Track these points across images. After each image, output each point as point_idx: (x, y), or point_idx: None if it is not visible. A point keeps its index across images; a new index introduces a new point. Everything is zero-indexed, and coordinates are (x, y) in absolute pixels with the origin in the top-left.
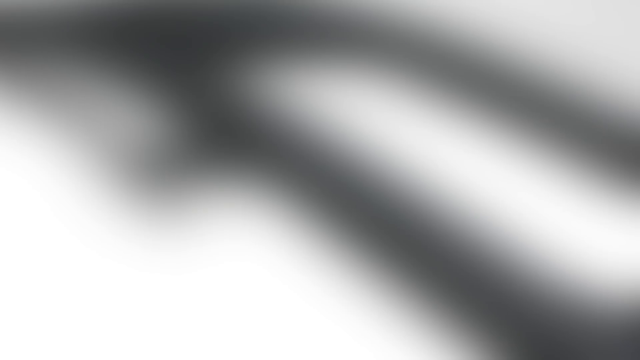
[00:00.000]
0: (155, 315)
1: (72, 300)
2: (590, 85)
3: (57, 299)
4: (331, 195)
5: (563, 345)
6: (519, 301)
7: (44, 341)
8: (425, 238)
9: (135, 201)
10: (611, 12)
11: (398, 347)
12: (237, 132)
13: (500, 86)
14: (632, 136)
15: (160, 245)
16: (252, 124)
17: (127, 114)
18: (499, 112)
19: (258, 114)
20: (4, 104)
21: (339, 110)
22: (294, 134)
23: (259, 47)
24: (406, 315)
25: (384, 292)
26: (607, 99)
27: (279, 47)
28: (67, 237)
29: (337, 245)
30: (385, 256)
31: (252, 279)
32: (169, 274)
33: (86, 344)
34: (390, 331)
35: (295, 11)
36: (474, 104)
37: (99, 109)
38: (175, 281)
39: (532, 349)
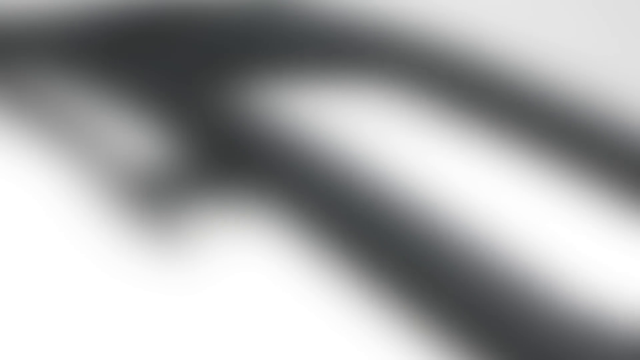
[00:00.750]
0: (167, 336)
1: (81, 323)
2: (608, 110)
3: (66, 322)
4: (330, 210)
5: None
6: (521, 319)
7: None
8: (424, 252)
9: (136, 221)
10: (637, 45)
11: (398, 358)
12: (237, 149)
13: (513, 107)
14: None
15: (163, 266)
16: (251, 142)
17: (128, 134)
18: (508, 131)
19: (257, 132)
20: (9, 123)
21: (338, 126)
22: (293, 151)
23: (258, 64)
24: (406, 325)
25: (387, 300)
26: (627, 125)
27: (277, 65)
28: (74, 258)
29: (335, 256)
30: (386, 270)
31: (256, 290)
32: (176, 294)
33: None
34: (390, 340)
35: (293, 29)
36: (481, 122)
37: (100, 129)
38: (184, 301)
39: None
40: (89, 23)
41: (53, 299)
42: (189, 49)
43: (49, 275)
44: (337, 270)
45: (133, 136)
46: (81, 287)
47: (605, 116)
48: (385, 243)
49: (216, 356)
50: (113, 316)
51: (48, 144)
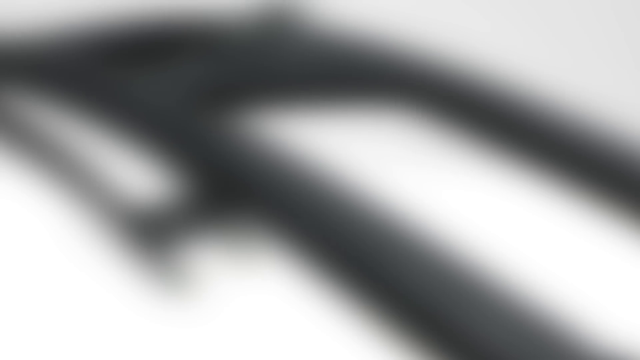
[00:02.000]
0: None
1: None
2: (618, 135)
3: (74, 355)
4: (336, 242)
5: None
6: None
7: None
8: (424, 280)
9: (138, 256)
10: None
11: None
12: (239, 182)
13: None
14: None
15: (169, 301)
16: (254, 175)
17: (127, 167)
18: (521, 160)
19: (262, 165)
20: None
21: (340, 158)
22: (295, 182)
23: (259, 96)
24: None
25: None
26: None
27: (286, 95)
28: (82, 292)
29: (339, 279)
30: (388, 298)
31: (263, 313)
32: (187, 327)
33: None
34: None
35: (293, 59)
36: (492, 150)
37: (98, 164)
38: (197, 333)
39: None
40: (79, 48)
41: (56, 326)
42: (192, 73)
43: (52, 303)
44: (342, 293)
45: (133, 170)
46: (88, 321)
47: (617, 141)
48: (390, 276)
49: None
50: (124, 351)
51: (49, 176)
